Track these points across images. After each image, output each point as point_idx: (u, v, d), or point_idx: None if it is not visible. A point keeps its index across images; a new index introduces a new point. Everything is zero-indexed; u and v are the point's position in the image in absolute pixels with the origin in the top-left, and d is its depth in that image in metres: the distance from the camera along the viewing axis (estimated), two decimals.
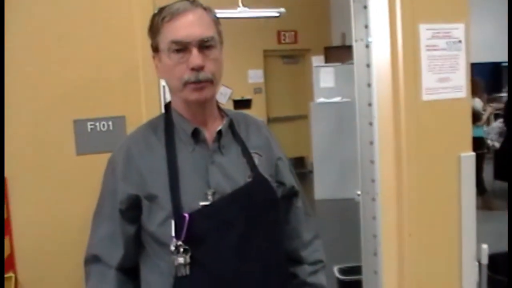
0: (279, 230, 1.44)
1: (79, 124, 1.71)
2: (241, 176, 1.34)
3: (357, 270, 2.26)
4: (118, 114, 1.74)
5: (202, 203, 1.27)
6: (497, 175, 6.80)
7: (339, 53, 7.83)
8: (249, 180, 1.35)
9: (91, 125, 1.72)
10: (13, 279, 1.55)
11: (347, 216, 3.97)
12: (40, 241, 1.66)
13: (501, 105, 8.17)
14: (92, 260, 1.35)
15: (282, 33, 9.31)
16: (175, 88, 1.33)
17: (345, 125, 6.77)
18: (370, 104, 1.93)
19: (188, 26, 1.27)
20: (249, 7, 6.79)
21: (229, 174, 1.33)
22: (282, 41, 9.39)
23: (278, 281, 1.38)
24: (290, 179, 1.51)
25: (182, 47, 1.27)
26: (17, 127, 1.64)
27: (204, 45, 1.28)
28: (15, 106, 1.63)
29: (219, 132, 1.37)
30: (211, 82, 1.31)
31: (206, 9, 1.34)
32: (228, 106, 8.19)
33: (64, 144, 1.70)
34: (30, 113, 1.66)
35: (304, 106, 8.80)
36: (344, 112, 6.81)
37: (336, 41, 8.98)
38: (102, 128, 1.73)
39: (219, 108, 1.45)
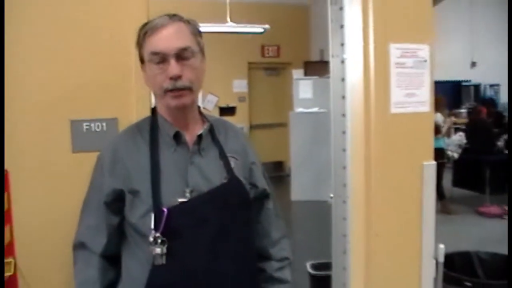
0: (251, 228, 1.44)
1: (75, 124, 1.69)
2: (218, 177, 1.35)
3: (328, 266, 2.26)
4: (111, 116, 1.73)
5: (180, 200, 1.27)
6: (456, 183, 6.93)
7: (317, 67, 7.86)
8: (225, 181, 1.36)
9: (86, 125, 1.71)
10: (12, 263, 1.57)
11: (321, 217, 3.98)
12: (37, 230, 1.65)
13: (461, 120, 8.40)
14: (79, 246, 1.36)
15: (266, 47, 9.36)
16: (157, 95, 1.35)
17: (321, 133, 6.78)
18: (343, 115, 1.93)
19: (166, 39, 1.28)
20: (236, 23, 6.82)
21: (207, 174, 1.34)
22: (266, 55, 9.44)
23: (249, 276, 1.39)
24: (262, 182, 1.51)
25: (161, 59, 1.28)
26: (19, 125, 1.63)
27: (182, 56, 1.28)
28: (18, 106, 1.63)
29: (200, 136, 1.37)
30: (190, 89, 1.31)
31: (186, 22, 1.34)
32: (214, 112, 8.20)
33: (62, 142, 1.68)
34: (31, 113, 1.65)
35: (284, 115, 8.79)
36: (320, 122, 6.84)
37: (315, 56, 9.03)
38: (96, 129, 1.71)
39: (201, 114, 1.46)
